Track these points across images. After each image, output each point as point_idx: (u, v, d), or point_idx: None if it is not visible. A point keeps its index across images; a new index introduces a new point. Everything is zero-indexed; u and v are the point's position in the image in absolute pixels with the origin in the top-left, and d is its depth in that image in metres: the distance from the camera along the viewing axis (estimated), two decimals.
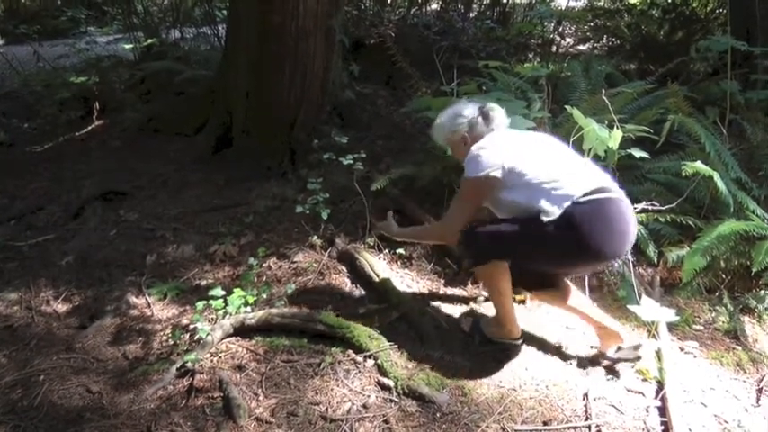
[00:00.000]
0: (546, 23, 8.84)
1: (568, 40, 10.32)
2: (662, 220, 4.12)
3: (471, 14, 10.31)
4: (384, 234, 3.81)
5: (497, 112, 3.35)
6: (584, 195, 2.89)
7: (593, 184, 2.93)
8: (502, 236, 3.10)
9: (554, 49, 8.98)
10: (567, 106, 3.72)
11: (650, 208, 3.93)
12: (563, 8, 9.67)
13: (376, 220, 3.71)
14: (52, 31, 10.03)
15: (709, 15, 9.75)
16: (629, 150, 3.95)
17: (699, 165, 3.74)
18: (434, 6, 10.90)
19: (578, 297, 3.33)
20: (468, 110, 3.34)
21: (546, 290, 3.31)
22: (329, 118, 5.94)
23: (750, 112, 5.00)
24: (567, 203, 2.87)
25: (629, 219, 2.97)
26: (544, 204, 2.91)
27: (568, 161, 3.11)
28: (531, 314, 3.77)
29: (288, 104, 5.77)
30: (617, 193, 2.99)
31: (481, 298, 3.93)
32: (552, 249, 2.99)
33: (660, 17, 9.55)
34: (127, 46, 8.65)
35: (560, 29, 10.09)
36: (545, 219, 2.88)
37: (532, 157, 3.07)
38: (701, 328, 3.80)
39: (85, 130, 6.94)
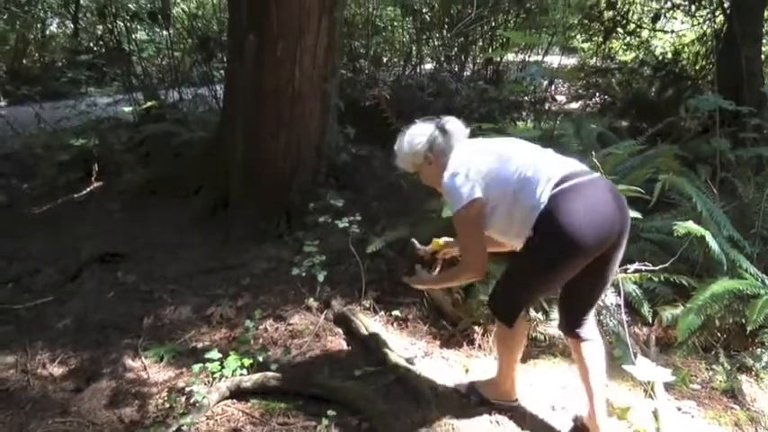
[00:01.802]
0: (538, 82, 8.99)
1: (561, 97, 10.48)
2: (655, 279, 4.15)
3: (466, 73, 10.49)
4: (417, 287, 3.66)
5: (454, 124, 3.26)
6: (558, 182, 2.84)
7: (564, 170, 2.90)
8: (511, 284, 3.12)
9: (546, 107, 9.12)
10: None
11: (643, 268, 3.97)
12: (555, 66, 9.86)
13: (407, 276, 3.59)
14: (53, 92, 10.15)
15: (698, 73, 9.95)
16: None
17: (690, 225, 3.78)
18: (429, 66, 11.10)
19: (594, 355, 3.18)
20: (424, 129, 3.25)
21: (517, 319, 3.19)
22: (325, 180, 6.01)
23: (741, 170, 5.07)
24: (549, 192, 2.83)
25: (611, 196, 2.89)
26: (526, 199, 2.88)
27: (535, 154, 3.07)
28: (527, 374, 3.78)
29: (283, 167, 5.86)
30: (592, 174, 2.97)
31: (478, 359, 3.94)
32: (550, 253, 2.90)
33: (651, 75, 9.74)
34: (126, 109, 8.76)
35: (552, 87, 10.27)
36: (533, 212, 2.85)
37: (500, 160, 3.04)
38: (699, 387, 3.81)
39: (84, 191, 6.99)
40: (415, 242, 3.70)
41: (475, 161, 3.05)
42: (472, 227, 3.06)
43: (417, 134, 3.23)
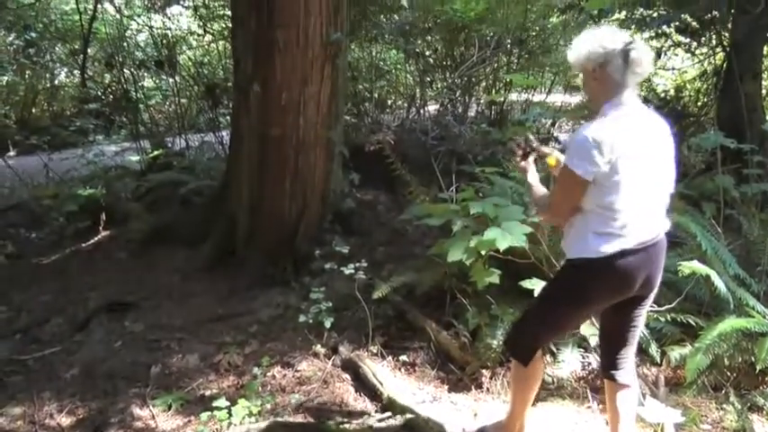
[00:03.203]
0: (540, 123, 9.03)
1: (564, 136, 10.52)
2: (662, 319, 4.15)
3: (470, 114, 10.56)
4: (521, 173, 3.41)
5: (640, 52, 2.82)
6: (625, 251, 2.78)
7: (642, 235, 2.83)
8: (531, 319, 3.17)
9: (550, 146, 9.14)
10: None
11: (650, 309, 3.98)
12: (558, 104, 9.90)
13: (521, 159, 3.33)
14: (62, 142, 10.26)
15: (700, 110, 9.99)
16: None
17: (695, 264, 3.77)
18: (433, 107, 11.17)
19: (628, 402, 3.18)
20: (611, 40, 2.83)
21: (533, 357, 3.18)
22: (330, 226, 6.05)
23: (745, 207, 5.08)
24: (611, 250, 2.78)
25: (653, 252, 2.88)
26: (597, 233, 2.81)
27: (654, 190, 2.89)
28: (535, 416, 3.76)
29: (289, 215, 5.92)
30: (658, 238, 2.92)
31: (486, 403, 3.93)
32: (575, 289, 2.95)
33: (653, 113, 9.79)
34: (134, 158, 8.84)
35: (556, 126, 10.32)
36: (586, 249, 2.83)
37: (633, 175, 2.77)
38: (709, 427, 3.79)
39: (92, 241, 7.03)
40: (532, 138, 3.46)
41: (624, 149, 2.73)
42: (569, 189, 2.87)
43: (601, 42, 2.84)
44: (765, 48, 8.17)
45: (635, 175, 2.75)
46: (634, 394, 3.16)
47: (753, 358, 3.90)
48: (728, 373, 4.09)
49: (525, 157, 3.34)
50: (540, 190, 3.17)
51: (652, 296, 3.02)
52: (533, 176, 3.25)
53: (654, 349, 4.15)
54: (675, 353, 4.11)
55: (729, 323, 3.92)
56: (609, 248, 2.78)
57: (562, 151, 3.24)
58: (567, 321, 3.18)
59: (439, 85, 11.12)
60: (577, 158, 2.75)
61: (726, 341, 3.95)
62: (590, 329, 3.91)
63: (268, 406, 3.86)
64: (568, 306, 3.02)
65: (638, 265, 2.82)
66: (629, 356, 3.15)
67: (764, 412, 3.87)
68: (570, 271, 2.98)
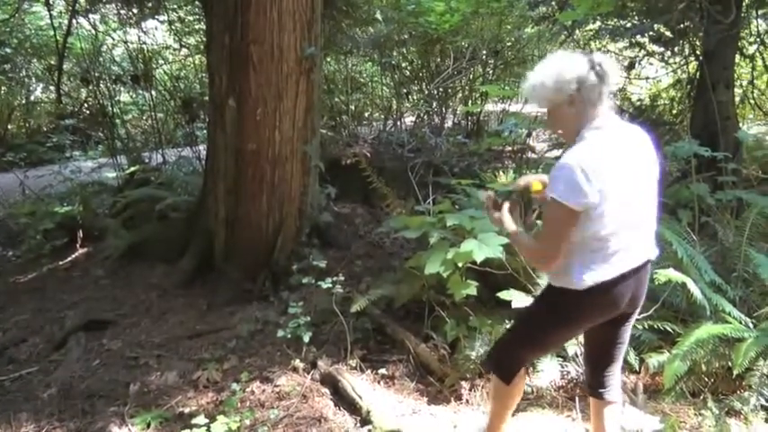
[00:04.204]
0: (516, 134, 9.08)
1: (541, 145, 10.57)
2: (640, 326, 4.18)
3: (447, 125, 10.61)
4: (497, 226, 3.13)
5: (608, 65, 2.71)
6: (609, 282, 2.73)
7: (635, 260, 2.79)
8: (516, 338, 3.15)
9: (527, 157, 9.19)
10: (538, 221, 3.60)
11: None
12: (534, 114, 9.97)
13: (493, 210, 3.06)
14: (38, 159, 10.20)
15: (675, 118, 10.08)
16: None
17: (671, 272, 3.81)
18: (409, 119, 11.21)
19: (613, 419, 3.18)
20: (575, 63, 2.70)
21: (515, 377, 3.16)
22: (308, 240, 6.05)
23: (720, 214, 5.13)
24: (603, 279, 2.72)
25: (638, 277, 2.84)
26: (577, 272, 2.74)
27: (641, 212, 2.81)
28: (515, 426, 3.77)
29: (266, 229, 5.92)
30: (645, 263, 2.89)
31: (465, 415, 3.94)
32: (560, 311, 2.91)
33: (628, 121, 9.86)
34: (110, 174, 8.80)
35: (532, 136, 10.38)
36: (570, 276, 2.74)
37: (621, 199, 2.67)
38: None
39: (69, 258, 6.98)
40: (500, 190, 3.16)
41: (610, 173, 2.63)
42: (562, 224, 2.70)
43: (566, 68, 2.70)
44: (737, 57, 8.26)
45: (622, 200, 2.66)
46: (619, 408, 3.18)
47: (730, 363, 3.92)
48: (706, 379, 4.12)
49: (498, 207, 3.06)
50: (524, 237, 2.93)
51: (637, 312, 3.01)
52: (511, 225, 2.98)
53: (632, 357, 4.18)
54: (653, 360, 4.14)
55: (706, 329, 3.96)
56: (596, 278, 2.71)
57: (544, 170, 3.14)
58: (553, 342, 3.19)
59: (415, 97, 11.18)
60: (566, 190, 2.60)
61: (703, 347, 3.99)
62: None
63: (247, 422, 3.85)
64: (555, 327, 2.99)
65: (624, 291, 2.80)
66: (615, 373, 3.14)
67: (742, 417, 3.90)
68: (556, 295, 2.89)
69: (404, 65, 11.06)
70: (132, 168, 8.60)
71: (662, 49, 10.05)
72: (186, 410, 4.13)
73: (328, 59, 10.12)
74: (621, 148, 2.73)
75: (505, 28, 10.25)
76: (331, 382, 4.33)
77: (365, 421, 3.89)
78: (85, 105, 11.52)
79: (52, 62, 12.20)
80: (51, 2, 10.80)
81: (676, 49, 9.90)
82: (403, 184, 6.49)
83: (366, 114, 12.06)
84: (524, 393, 3.99)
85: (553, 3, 8.73)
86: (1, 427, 4.04)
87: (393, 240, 6.39)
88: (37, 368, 4.84)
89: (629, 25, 8.87)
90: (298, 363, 4.51)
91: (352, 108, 11.18)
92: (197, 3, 9.20)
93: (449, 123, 10.84)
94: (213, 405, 4.20)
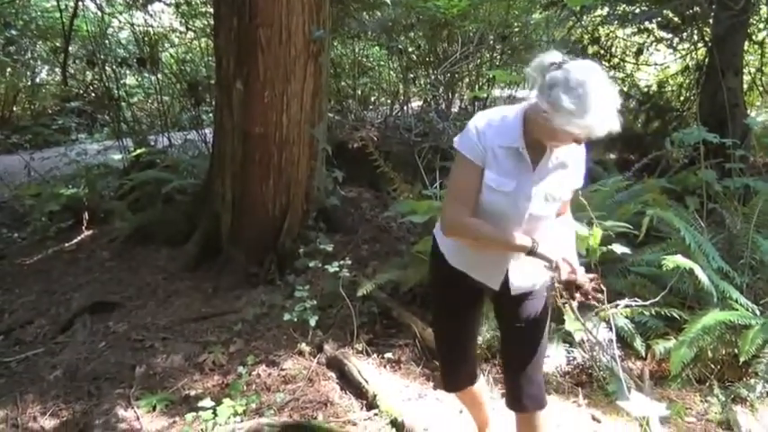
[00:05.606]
0: None
1: None
2: (647, 313, 4.19)
3: (453, 110, 10.56)
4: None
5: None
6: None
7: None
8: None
9: None
10: None
11: (634, 303, 3.98)
12: None
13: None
14: (44, 141, 10.19)
15: (683, 104, 10.04)
16: (610, 246, 3.96)
17: (678, 258, 3.79)
18: (416, 104, 11.17)
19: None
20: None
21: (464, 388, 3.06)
22: (315, 224, 6.04)
23: (728, 201, 5.11)
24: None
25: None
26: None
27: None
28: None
29: (273, 212, 5.90)
30: None
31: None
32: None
33: (636, 108, 9.81)
34: (116, 156, 8.79)
35: None
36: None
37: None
38: (694, 419, 3.82)
39: (74, 240, 6.98)
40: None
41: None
42: (459, 177, 2.57)
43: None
44: (746, 43, 8.22)
45: None
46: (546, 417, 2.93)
47: (736, 350, 3.93)
48: (712, 366, 4.13)
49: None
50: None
51: (523, 313, 2.77)
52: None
53: (638, 343, 4.18)
54: (660, 346, 4.14)
55: (713, 316, 3.96)
56: None
57: None
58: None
59: (422, 82, 11.12)
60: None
61: (710, 334, 3.98)
62: (575, 324, 3.91)
63: (253, 405, 3.85)
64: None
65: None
66: (532, 381, 2.87)
67: (748, 403, 3.91)
68: None
69: (411, 49, 10.99)
70: (138, 151, 8.58)
71: (670, 36, 10.01)
72: (192, 393, 4.14)
73: (335, 43, 10.07)
74: None
75: (513, 13, 10.16)
76: (337, 366, 4.34)
77: (371, 405, 3.89)
78: (91, 88, 11.47)
79: (58, 44, 12.14)
80: None
81: (685, 35, 9.86)
82: (410, 169, 6.47)
83: (373, 99, 12.01)
84: None
85: None
86: (7, 408, 4.04)
87: (400, 225, 6.38)
88: (43, 350, 4.84)
89: (637, 11, 8.83)
90: (304, 346, 4.51)
91: (359, 92, 11.13)
92: None
93: (456, 108, 10.78)
94: (219, 388, 4.20)
